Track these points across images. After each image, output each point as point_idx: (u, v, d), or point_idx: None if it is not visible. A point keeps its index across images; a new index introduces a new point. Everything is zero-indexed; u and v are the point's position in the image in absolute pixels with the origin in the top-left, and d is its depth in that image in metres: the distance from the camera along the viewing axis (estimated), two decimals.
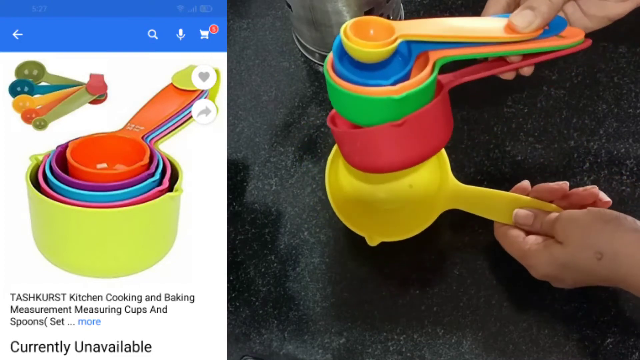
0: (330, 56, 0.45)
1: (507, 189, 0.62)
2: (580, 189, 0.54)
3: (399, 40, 0.43)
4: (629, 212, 0.59)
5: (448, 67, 0.48)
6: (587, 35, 0.50)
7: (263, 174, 0.69)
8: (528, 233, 0.54)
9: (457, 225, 0.62)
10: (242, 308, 0.62)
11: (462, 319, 0.58)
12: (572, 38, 0.47)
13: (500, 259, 0.60)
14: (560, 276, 0.51)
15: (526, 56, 0.49)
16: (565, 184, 0.55)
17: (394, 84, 0.43)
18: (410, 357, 0.57)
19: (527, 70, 0.52)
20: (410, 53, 0.46)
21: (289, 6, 0.69)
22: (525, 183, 0.57)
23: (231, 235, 0.66)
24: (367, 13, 0.67)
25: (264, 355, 0.60)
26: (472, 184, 0.63)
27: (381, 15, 0.68)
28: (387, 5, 0.68)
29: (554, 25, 0.47)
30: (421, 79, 0.44)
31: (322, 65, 0.74)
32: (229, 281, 0.64)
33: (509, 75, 0.52)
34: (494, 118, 0.67)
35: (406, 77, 0.45)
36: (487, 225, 0.61)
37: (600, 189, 0.60)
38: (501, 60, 0.50)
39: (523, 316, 0.57)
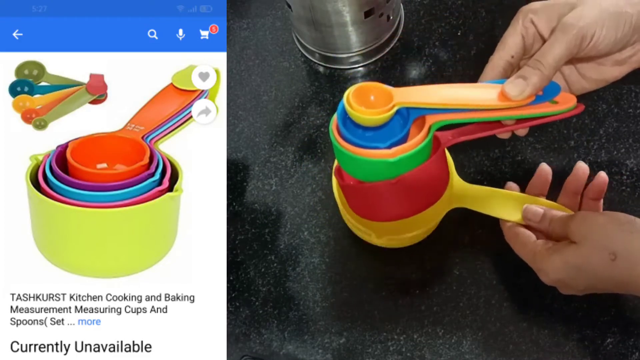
0: (334, 118, 0.49)
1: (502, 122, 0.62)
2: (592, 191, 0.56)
3: (396, 108, 0.47)
4: (629, 212, 0.59)
5: (447, 126, 0.51)
6: (583, 96, 0.53)
7: (263, 174, 0.69)
8: (538, 236, 0.54)
9: (457, 225, 0.62)
10: (242, 308, 0.62)
11: (462, 319, 0.58)
12: (565, 104, 0.49)
13: (500, 259, 0.60)
14: (571, 280, 0.50)
15: (519, 121, 0.51)
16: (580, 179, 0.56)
17: (389, 147, 0.47)
18: (410, 357, 0.57)
19: (521, 132, 0.54)
20: (408, 116, 0.49)
21: (289, 6, 0.69)
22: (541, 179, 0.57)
23: (231, 235, 0.66)
24: (367, 13, 0.67)
25: (264, 355, 0.60)
26: (472, 183, 0.63)
27: (381, 15, 0.68)
28: (387, 5, 0.68)
29: (547, 91, 0.49)
30: (415, 143, 0.48)
31: (322, 65, 0.74)
32: (229, 281, 0.64)
33: (505, 135, 0.53)
34: None
35: (403, 140, 0.48)
36: (487, 225, 0.61)
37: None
38: (497, 122, 0.52)
39: (523, 316, 0.57)
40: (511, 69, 0.52)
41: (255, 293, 0.63)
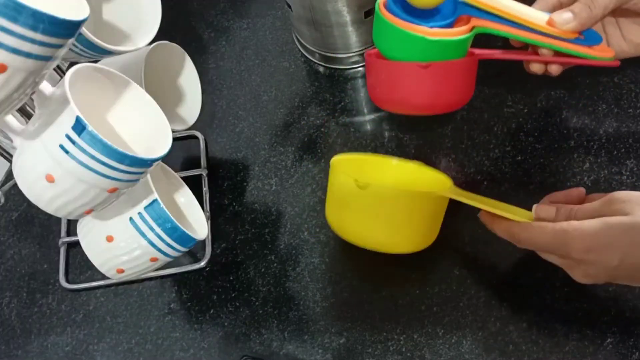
0: None
1: (507, 189, 0.63)
2: (597, 195, 0.52)
3: None
4: None
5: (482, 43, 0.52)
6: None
7: (263, 174, 0.69)
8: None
9: (457, 225, 0.62)
10: (242, 308, 0.62)
11: (462, 319, 0.58)
12: (602, 53, 0.51)
13: (501, 259, 0.60)
14: (609, 249, 0.45)
15: (557, 54, 0.52)
16: (581, 190, 0.53)
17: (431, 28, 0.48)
18: (410, 357, 0.57)
19: (555, 69, 0.54)
20: (456, 10, 0.50)
21: (289, 6, 0.69)
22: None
23: (231, 235, 0.66)
24: (367, 13, 0.67)
25: (264, 355, 0.60)
26: (472, 184, 0.63)
27: None
28: None
29: (589, 38, 0.50)
30: (456, 32, 0.49)
31: (322, 65, 0.74)
32: (228, 281, 0.64)
33: (537, 69, 0.54)
34: (494, 118, 0.67)
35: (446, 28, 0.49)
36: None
37: (600, 189, 0.61)
38: (534, 52, 0.53)
39: (523, 316, 0.57)
40: (560, 6, 0.52)
41: (255, 293, 0.63)
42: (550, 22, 0.50)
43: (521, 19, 0.50)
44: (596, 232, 0.45)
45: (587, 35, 0.50)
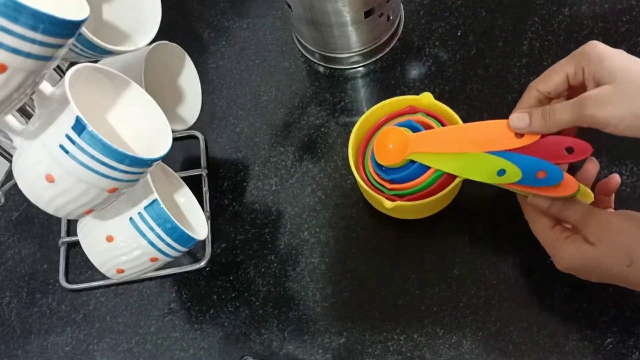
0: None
1: (507, 189, 0.62)
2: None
3: (406, 158, 0.56)
4: None
5: None
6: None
7: (263, 174, 0.69)
8: (557, 222, 0.52)
9: (457, 225, 0.62)
10: (242, 308, 0.62)
11: (462, 319, 0.58)
12: (564, 191, 0.49)
13: (500, 259, 0.60)
14: (585, 274, 0.50)
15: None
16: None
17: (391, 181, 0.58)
18: (410, 357, 0.57)
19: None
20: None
21: (289, 6, 0.69)
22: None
23: (231, 235, 0.66)
24: (367, 13, 0.67)
25: (264, 355, 0.60)
26: (472, 183, 0.63)
27: (381, 15, 0.68)
28: (387, 5, 0.68)
29: (550, 176, 0.49)
30: (412, 185, 0.57)
31: (322, 65, 0.74)
32: (228, 281, 0.64)
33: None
34: (494, 118, 0.67)
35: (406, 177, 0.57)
36: (487, 225, 0.61)
37: None
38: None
39: (523, 316, 0.57)
40: (546, 102, 0.52)
41: (255, 293, 0.63)
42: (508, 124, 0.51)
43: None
44: (575, 260, 0.49)
45: (549, 173, 0.49)
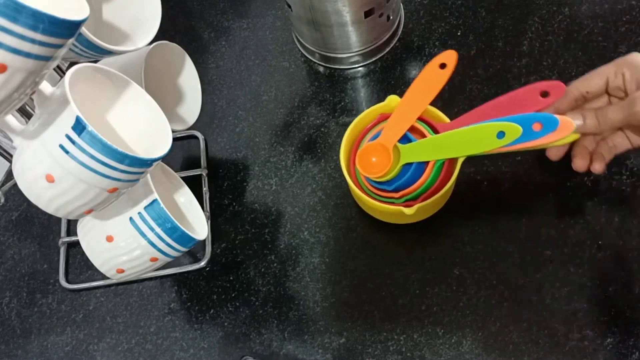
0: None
1: (507, 189, 0.63)
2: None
3: (397, 169, 0.56)
4: (629, 212, 0.59)
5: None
6: None
7: (263, 174, 0.69)
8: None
9: (457, 225, 0.62)
10: (242, 308, 0.62)
11: (462, 319, 0.58)
12: (563, 131, 0.50)
13: (500, 259, 0.60)
14: None
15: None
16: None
17: (395, 190, 0.57)
18: (410, 357, 0.57)
19: (598, 168, 0.55)
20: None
21: (289, 6, 0.69)
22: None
23: (231, 235, 0.66)
24: (367, 13, 0.67)
25: (264, 355, 0.60)
26: (472, 184, 0.63)
27: (381, 15, 0.68)
28: (387, 5, 0.68)
29: (546, 125, 0.50)
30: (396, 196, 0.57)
31: (322, 65, 0.74)
32: (228, 281, 0.64)
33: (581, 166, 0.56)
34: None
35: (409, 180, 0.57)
36: (487, 225, 0.61)
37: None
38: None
39: (523, 316, 0.57)
40: (582, 102, 0.54)
41: (255, 293, 0.63)
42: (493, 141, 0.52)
43: (468, 154, 0.54)
44: None
45: (544, 123, 0.50)
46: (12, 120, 0.47)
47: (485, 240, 0.61)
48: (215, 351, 0.61)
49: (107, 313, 0.64)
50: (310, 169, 0.68)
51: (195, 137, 0.73)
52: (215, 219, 0.67)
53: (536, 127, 0.50)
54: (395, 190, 0.57)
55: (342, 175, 0.67)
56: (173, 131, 0.53)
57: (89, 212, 0.49)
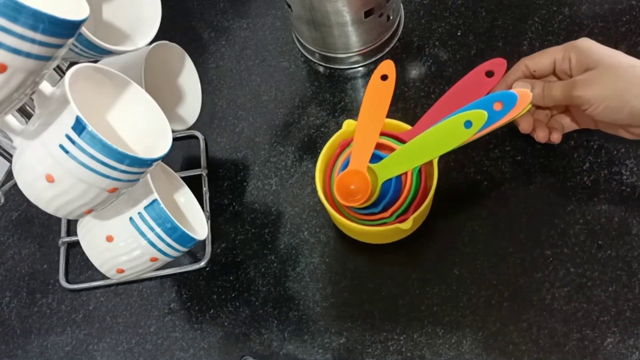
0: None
1: (507, 189, 0.63)
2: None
3: (378, 189, 0.56)
4: (629, 212, 0.59)
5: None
6: None
7: (263, 174, 0.69)
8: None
9: (456, 225, 0.62)
10: (242, 308, 0.62)
11: (462, 319, 0.58)
12: (524, 102, 0.51)
13: (500, 259, 0.60)
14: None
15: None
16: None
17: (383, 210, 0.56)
18: (410, 357, 0.57)
19: (556, 137, 0.59)
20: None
21: (289, 6, 0.69)
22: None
23: (231, 235, 0.66)
24: (367, 13, 0.67)
25: (264, 355, 0.60)
26: (472, 183, 0.64)
27: (381, 15, 0.68)
28: (387, 5, 0.68)
29: (507, 103, 0.51)
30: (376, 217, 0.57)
31: (322, 65, 0.74)
32: (228, 281, 0.64)
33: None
34: None
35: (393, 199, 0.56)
36: (487, 225, 0.61)
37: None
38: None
39: (523, 316, 0.57)
40: (529, 77, 0.58)
41: (255, 293, 0.63)
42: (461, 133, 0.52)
43: (438, 154, 0.54)
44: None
45: (504, 101, 0.51)
46: (12, 120, 0.47)
47: (485, 240, 0.61)
48: (215, 351, 0.61)
49: (107, 313, 0.64)
50: (310, 169, 0.68)
51: (195, 137, 0.73)
52: (215, 219, 0.67)
53: (497, 106, 0.51)
54: (384, 210, 0.56)
55: None
56: (173, 131, 0.53)
57: (89, 212, 0.49)
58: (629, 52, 0.68)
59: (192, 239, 0.55)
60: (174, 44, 0.66)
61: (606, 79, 0.52)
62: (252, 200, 0.68)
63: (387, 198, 0.56)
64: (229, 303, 0.63)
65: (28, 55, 0.37)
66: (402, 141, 0.57)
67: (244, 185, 0.69)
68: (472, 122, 0.51)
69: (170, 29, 0.80)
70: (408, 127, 0.58)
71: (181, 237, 0.54)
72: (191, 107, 0.71)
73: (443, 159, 0.65)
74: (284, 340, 0.60)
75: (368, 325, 0.59)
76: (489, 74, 0.55)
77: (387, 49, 0.73)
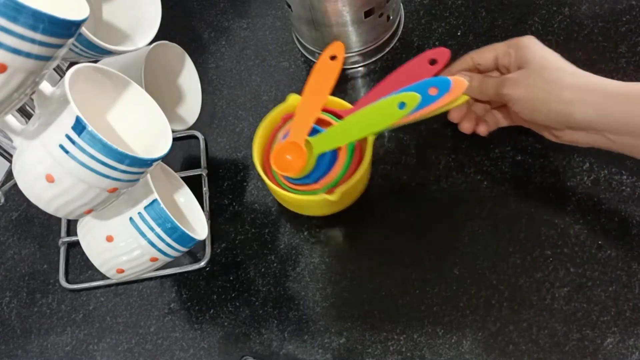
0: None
1: (507, 189, 0.63)
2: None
3: (312, 162, 0.58)
4: (629, 212, 0.59)
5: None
6: None
7: None
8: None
9: (457, 225, 0.62)
10: (242, 308, 0.62)
11: (462, 319, 0.58)
12: (459, 89, 0.55)
13: (500, 259, 0.60)
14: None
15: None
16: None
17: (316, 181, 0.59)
18: (410, 357, 0.57)
19: (483, 130, 0.61)
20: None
21: (289, 6, 0.69)
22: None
23: (231, 235, 0.66)
24: (367, 13, 0.67)
25: (264, 355, 0.60)
26: (472, 183, 0.64)
27: (381, 15, 0.68)
28: (387, 5, 0.68)
29: (441, 88, 0.54)
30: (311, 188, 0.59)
31: None
32: (228, 281, 0.64)
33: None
34: None
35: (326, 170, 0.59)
36: (487, 225, 0.61)
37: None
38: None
39: (523, 316, 0.57)
40: (475, 72, 0.59)
41: (255, 293, 0.63)
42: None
43: (374, 130, 0.56)
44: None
45: (439, 86, 0.54)
46: (12, 120, 0.47)
47: (485, 240, 0.61)
48: (215, 351, 0.61)
49: (107, 313, 0.64)
50: None
51: (195, 137, 0.73)
52: (215, 219, 0.67)
53: (432, 91, 0.54)
54: (316, 182, 0.59)
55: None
56: (173, 131, 0.53)
57: (89, 212, 0.49)
58: (628, 52, 0.68)
59: (192, 239, 0.55)
60: (174, 44, 0.66)
61: (531, 79, 0.53)
62: (252, 200, 0.68)
63: (321, 171, 0.59)
64: (229, 303, 0.63)
65: (28, 55, 0.37)
66: (341, 118, 0.60)
67: (244, 185, 0.69)
68: (406, 104, 0.53)
69: (170, 29, 0.80)
70: (350, 105, 0.61)
71: (181, 237, 0.54)
72: (191, 107, 0.71)
73: (443, 159, 0.65)
74: (284, 340, 0.60)
75: (368, 325, 0.59)
76: (432, 62, 0.57)
77: (387, 49, 0.73)
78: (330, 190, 0.58)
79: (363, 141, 0.59)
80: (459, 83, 0.54)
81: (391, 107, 0.54)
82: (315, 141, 0.58)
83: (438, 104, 0.54)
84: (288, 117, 0.62)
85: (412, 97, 0.53)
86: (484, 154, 0.65)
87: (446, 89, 0.54)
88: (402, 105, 0.53)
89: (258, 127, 0.62)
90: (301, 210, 0.64)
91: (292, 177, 0.59)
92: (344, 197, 0.58)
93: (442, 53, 0.58)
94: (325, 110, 0.60)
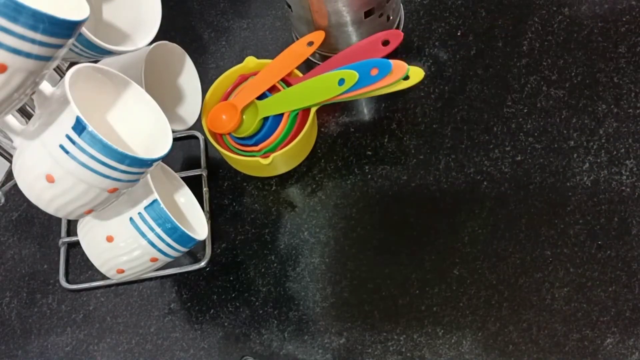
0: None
1: (507, 189, 0.63)
2: None
3: (255, 124, 0.62)
4: (629, 212, 0.59)
5: None
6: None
7: None
8: None
9: (456, 224, 0.62)
10: (242, 308, 0.62)
11: (462, 319, 0.58)
12: (399, 73, 0.58)
13: (500, 259, 0.60)
14: None
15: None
16: None
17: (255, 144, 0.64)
18: (410, 357, 0.57)
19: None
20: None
21: (289, 6, 0.69)
22: None
23: (231, 235, 0.66)
24: (367, 13, 0.67)
25: (264, 355, 0.60)
26: (472, 184, 0.64)
27: (381, 15, 0.68)
28: (387, 5, 0.68)
29: (382, 69, 0.57)
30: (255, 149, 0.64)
31: None
32: (228, 281, 0.64)
33: None
34: (494, 118, 0.67)
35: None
36: (487, 225, 0.61)
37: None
38: None
39: (523, 316, 0.57)
40: None
41: (255, 293, 0.63)
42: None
43: (319, 102, 0.61)
44: None
45: (379, 67, 0.57)
46: (12, 120, 0.47)
47: (485, 240, 0.61)
48: (215, 351, 0.61)
49: (107, 313, 0.64)
50: (310, 168, 0.68)
51: (195, 137, 0.73)
52: (215, 219, 0.67)
53: (373, 72, 0.57)
54: (256, 144, 0.63)
55: (342, 175, 0.67)
56: (173, 131, 0.53)
57: (89, 212, 0.49)
58: (628, 52, 0.68)
59: (192, 239, 0.55)
60: (174, 44, 0.66)
61: None
62: (252, 200, 0.68)
63: (260, 134, 0.63)
64: (229, 303, 0.63)
65: (28, 55, 0.37)
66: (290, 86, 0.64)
67: (244, 185, 0.69)
68: (345, 80, 0.57)
69: (170, 29, 0.80)
70: (300, 74, 0.66)
71: (181, 238, 0.54)
72: (191, 107, 0.71)
73: (443, 159, 0.65)
74: (284, 340, 0.60)
75: (368, 325, 0.59)
76: (385, 42, 0.60)
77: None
78: (266, 154, 0.62)
79: (306, 112, 0.63)
80: (400, 67, 0.57)
81: (331, 82, 0.58)
82: (261, 105, 0.63)
83: (378, 84, 0.58)
84: (243, 79, 0.66)
85: (351, 75, 0.57)
86: (484, 154, 0.65)
87: (387, 70, 0.57)
88: (341, 81, 0.57)
89: (210, 88, 0.66)
90: (241, 169, 0.67)
91: (239, 137, 0.64)
92: (279, 162, 0.63)
93: (395, 35, 0.61)
94: (284, 80, 0.65)
